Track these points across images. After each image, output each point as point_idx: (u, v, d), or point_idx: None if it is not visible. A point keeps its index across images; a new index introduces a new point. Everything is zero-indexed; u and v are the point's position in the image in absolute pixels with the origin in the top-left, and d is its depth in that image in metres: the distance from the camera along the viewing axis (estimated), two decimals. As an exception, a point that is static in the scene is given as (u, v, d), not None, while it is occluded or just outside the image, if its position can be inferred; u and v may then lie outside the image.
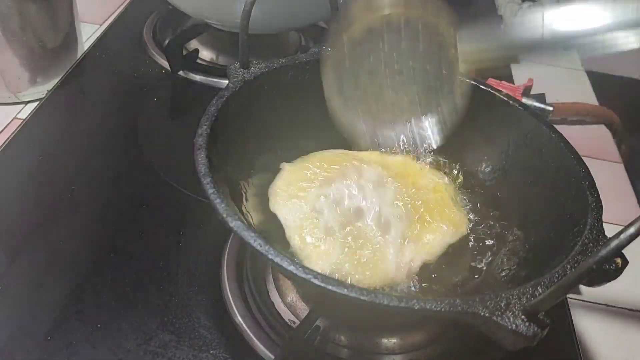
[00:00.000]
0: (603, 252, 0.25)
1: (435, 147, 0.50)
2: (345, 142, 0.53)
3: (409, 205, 0.45)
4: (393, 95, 0.49)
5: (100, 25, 0.87)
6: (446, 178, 0.49)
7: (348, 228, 0.42)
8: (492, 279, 0.43)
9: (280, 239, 0.45)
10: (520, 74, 0.89)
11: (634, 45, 0.37)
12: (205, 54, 0.79)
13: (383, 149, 0.50)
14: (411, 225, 0.44)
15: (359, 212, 0.43)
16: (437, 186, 0.48)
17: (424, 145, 0.50)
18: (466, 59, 0.44)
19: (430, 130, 0.50)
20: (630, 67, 1.13)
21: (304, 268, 0.31)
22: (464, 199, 0.49)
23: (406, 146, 0.50)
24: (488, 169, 0.50)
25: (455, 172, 0.51)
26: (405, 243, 0.43)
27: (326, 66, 0.47)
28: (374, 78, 0.48)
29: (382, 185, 0.45)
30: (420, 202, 0.45)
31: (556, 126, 0.46)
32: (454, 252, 0.44)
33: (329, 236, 0.42)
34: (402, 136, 0.50)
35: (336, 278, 0.31)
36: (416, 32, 0.46)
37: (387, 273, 0.41)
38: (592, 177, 0.41)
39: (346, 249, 0.41)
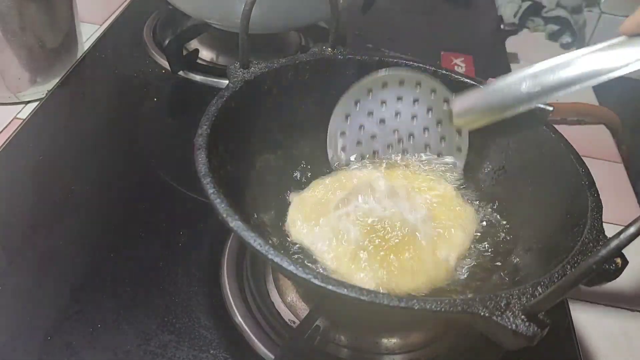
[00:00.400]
0: (603, 252, 0.25)
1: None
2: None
3: (427, 208, 0.46)
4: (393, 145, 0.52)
5: (100, 25, 0.87)
6: (442, 180, 0.50)
7: (377, 241, 0.42)
8: (492, 279, 0.43)
9: (280, 237, 0.45)
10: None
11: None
12: (205, 54, 0.79)
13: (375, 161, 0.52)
14: (435, 225, 0.45)
15: (384, 223, 0.43)
16: (444, 190, 0.49)
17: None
18: (459, 118, 0.46)
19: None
20: (630, 67, 1.12)
21: (304, 268, 0.31)
22: (465, 198, 0.49)
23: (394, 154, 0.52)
24: (488, 169, 0.50)
25: (455, 169, 0.51)
26: (436, 242, 0.43)
27: (336, 112, 0.50)
28: (378, 132, 0.52)
29: (395, 195, 0.46)
30: (434, 203, 0.47)
31: (556, 126, 0.46)
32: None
33: (362, 252, 0.42)
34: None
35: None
36: (415, 92, 0.50)
37: (428, 274, 0.41)
38: (592, 177, 0.41)
39: (382, 261, 0.41)
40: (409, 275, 0.41)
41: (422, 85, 0.49)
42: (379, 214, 0.44)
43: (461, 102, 0.46)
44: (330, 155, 0.51)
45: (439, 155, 0.51)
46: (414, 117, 0.51)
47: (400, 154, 0.52)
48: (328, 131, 0.51)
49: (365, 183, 0.47)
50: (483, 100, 0.44)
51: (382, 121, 0.51)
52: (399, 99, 0.50)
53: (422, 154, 0.52)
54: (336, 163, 0.51)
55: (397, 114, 0.51)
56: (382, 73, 0.50)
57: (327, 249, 0.43)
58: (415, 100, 0.50)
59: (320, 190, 0.48)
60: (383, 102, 0.51)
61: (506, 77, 0.42)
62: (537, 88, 0.40)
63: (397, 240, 0.43)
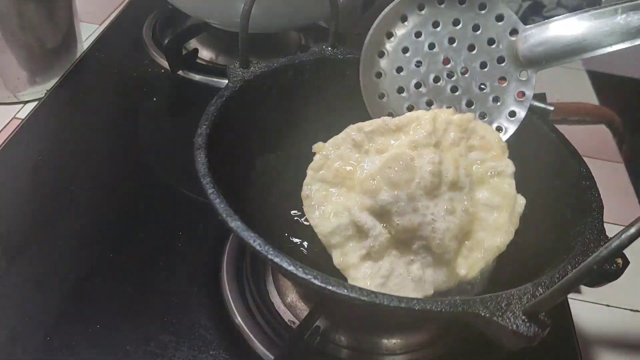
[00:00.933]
0: (604, 252, 0.25)
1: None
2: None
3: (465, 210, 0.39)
4: (444, 89, 0.44)
5: (100, 25, 0.87)
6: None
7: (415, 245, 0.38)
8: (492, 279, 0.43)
9: (280, 238, 0.45)
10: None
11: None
12: (205, 54, 0.79)
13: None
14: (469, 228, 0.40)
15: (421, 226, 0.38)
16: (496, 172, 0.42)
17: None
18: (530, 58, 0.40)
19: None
20: (630, 67, 1.13)
21: (304, 268, 0.31)
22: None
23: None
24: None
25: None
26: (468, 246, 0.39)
27: (367, 49, 0.43)
28: (424, 66, 0.43)
29: (436, 196, 0.38)
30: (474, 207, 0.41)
31: (556, 126, 0.46)
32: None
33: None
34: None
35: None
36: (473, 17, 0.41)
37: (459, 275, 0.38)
38: (593, 177, 0.41)
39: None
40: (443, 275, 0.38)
41: (488, 7, 0.40)
42: (416, 218, 0.37)
43: (533, 38, 0.39)
44: (362, 83, 0.44)
45: (495, 101, 0.43)
46: (471, 48, 0.42)
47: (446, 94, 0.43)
48: (363, 50, 0.43)
49: (407, 163, 0.39)
50: (563, 38, 0.38)
51: (432, 46, 0.43)
52: (456, 22, 0.42)
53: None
54: (369, 93, 0.44)
55: (451, 40, 0.42)
56: None
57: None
58: (476, 27, 0.41)
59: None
60: (436, 23, 0.42)
61: (595, 8, 0.35)
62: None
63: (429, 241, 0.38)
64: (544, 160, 0.45)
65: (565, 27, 0.38)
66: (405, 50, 0.44)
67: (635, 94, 1.11)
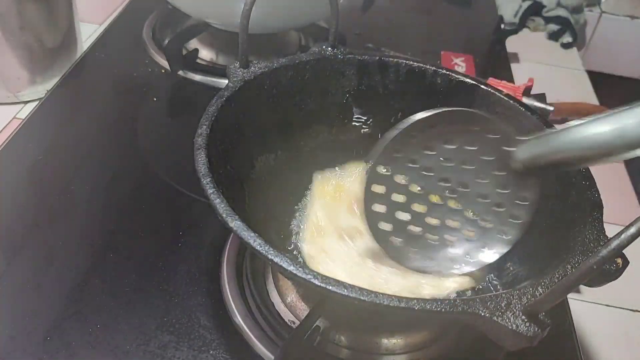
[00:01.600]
0: (604, 252, 0.25)
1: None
2: (345, 140, 0.53)
3: None
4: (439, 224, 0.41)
5: (100, 25, 0.87)
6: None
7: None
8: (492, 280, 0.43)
9: (280, 237, 0.45)
10: (521, 73, 0.89)
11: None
12: (205, 54, 0.79)
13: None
14: None
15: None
16: None
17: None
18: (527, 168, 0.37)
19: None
20: (630, 67, 1.13)
21: (304, 268, 0.31)
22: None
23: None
24: (488, 169, 0.50)
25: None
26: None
27: (368, 185, 0.39)
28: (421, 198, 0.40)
29: None
30: None
31: (556, 126, 0.46)
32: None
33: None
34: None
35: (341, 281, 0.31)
36: (468, 139, 0.38)
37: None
38: (593, 177, 0.41)
39: None
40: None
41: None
42: None
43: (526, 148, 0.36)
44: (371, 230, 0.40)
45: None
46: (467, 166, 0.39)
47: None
48: (364, 209, 0.39)
49: None
50: (553, 147, 0.35)
51: (428, 170, 0.40)
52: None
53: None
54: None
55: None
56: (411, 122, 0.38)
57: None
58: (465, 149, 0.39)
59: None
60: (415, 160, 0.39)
61: (584, 120, 0.33)
62: (620, 139, 0.31)
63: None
64: (544, 160, 0.45)
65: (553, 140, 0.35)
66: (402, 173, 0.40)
67: (635, 94, 1.11)
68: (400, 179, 0.39)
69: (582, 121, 0.34)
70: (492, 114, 0.48)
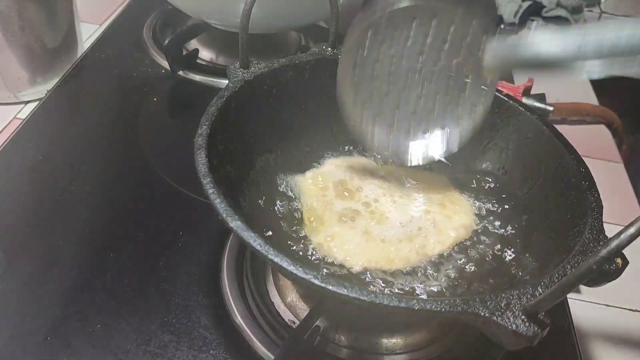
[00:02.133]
0: (603, 252, 0.25)
1: (437, 159, 0.48)
2: (345, 142, 0.53)
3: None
4: (410, 99, 0.46)
5: (100, 25, 0.87)
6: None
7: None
8: (493, 279, 0.43)
9: (280, 237, 0.45)
10: (521, 74, 0.89)
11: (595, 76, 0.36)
12: (205, 54, 0.79)
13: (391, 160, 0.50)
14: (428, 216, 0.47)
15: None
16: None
17: (430, 156, 0.47)
18: (491, 67, 0.42)
19: (441, 141, 0.47)
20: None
21: (304, 268, 0.31)
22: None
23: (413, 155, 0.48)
24: (488, 169, 0.50)
25: (455, 169, 0.51)
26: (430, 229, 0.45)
27: (343, 60, 0.44)
28: (393, 78, 0.45)
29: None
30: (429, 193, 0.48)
31: (556, 126, 0.46)
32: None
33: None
34: (411, 142, 0.47)
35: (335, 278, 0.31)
36: (444, 29, 0.42)
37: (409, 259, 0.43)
38: (592, 177, 0.41)
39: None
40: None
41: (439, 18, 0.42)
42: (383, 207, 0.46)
43: (494, 51, 0.41)
44: (348, 118, 0.46)
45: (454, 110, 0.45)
46: (435, 57, 0.43)
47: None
48: (337, 92, 0.45)
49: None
50: (518, 54, 0.39)
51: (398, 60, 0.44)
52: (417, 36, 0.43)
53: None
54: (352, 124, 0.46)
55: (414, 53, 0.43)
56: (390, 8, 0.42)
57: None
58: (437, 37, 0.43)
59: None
60: (393, 42, 0.43)
61: (550, 29, 0.38)
62: (585, 47, 0.35)
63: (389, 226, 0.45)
64: (544, 160, 0.45)
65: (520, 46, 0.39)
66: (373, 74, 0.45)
67: (635, 94, 1.11)
68: (375, 59, 0.44)
69: (542, 35, 0.38)
70: (492, 114, 0.49)
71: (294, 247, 0.43)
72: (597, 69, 0.36)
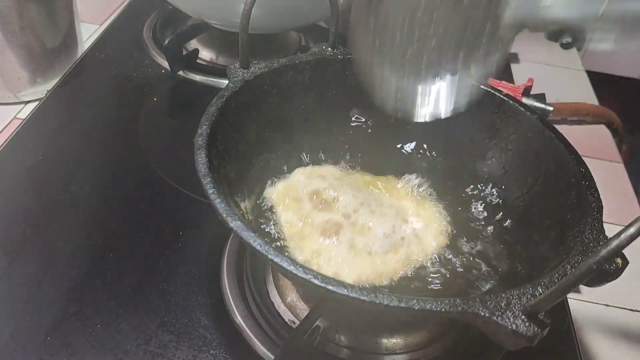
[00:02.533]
0: (603, 252, 0.25)
1: (443, 117, 0.46)
2: (344, 141, 0.53)
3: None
4: (424, 41, 0.43)
5: (100, 25, 0.87)
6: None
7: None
8: (493, 279, 0.43)
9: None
10: (521, 74, 0.89)
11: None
12: (205, 54, 0.79)
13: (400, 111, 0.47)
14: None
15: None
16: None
17: (437, 111, 0.45)
18: (510, 25, 0.41)
19: (450, 93, 0.45)
20: (630, 67, 1.13)
21: (304, 268, 0.31)
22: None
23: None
24: (488, 169, 0.50)
25: (455, 169, 0.51)
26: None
27: (358, 4, 0.44)
28: (409, 22, 0.43)
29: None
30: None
31: (556, 126, 0.46)
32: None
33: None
34: (420, 89, 0.45)
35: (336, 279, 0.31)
36: None
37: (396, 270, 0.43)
38: (592, 177, 0.41)
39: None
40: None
41: None
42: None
43: (515, 10, 0.40)
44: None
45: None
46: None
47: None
48: (349, 35, 0.44)
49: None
50: (539, 15, 0.39)
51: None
52: None
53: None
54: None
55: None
56: None
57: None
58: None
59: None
60: None
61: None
62: (606, 15, 0.34)
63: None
64: (544, 160, 0.45)
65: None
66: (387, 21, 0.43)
67: (635, 94, 1.11)
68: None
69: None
70: (492, 114, 0.49)
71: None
72: (613, 37, 0.35)
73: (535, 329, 0.29)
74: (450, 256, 0.44)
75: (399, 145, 0.54)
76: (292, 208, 0.46)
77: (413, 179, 0.50)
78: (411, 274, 0.43)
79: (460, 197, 0.50)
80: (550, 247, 0.40)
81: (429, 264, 0.44)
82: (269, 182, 0.48)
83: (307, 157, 0.51)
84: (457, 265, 0.44)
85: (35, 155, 0.61)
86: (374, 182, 0.50)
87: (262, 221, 0.45)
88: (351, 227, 0.45)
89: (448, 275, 0.43)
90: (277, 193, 0.47)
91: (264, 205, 0.46)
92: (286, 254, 0.42)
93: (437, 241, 0.45)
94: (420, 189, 0.50)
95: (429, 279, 0.43)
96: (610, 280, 0.35)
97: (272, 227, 0.45)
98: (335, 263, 0.42)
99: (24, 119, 0.65)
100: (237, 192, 0.43)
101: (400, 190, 0.50)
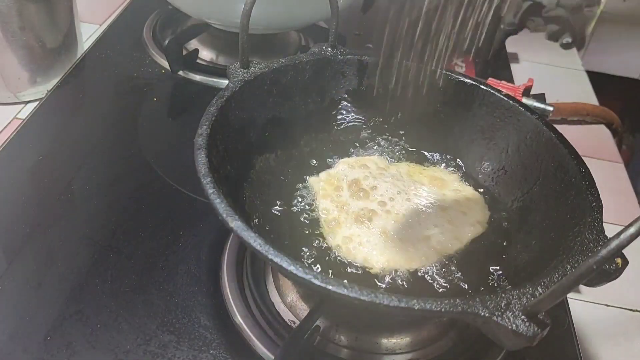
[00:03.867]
0: (603, 252, 0.25)
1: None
2: (345, 142, 0.53)
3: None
4: None
5: (100, 25, 0.87)
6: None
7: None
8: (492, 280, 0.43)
9: (280, 238, 0.45)
10: (521, 74, 0.89)
11: None
12: (205, 54, 0.79)
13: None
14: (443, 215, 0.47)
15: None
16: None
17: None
18: None
19: None
20: (630, 67, 1.13)
21: (304, 268, 0.31)
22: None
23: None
24: (488, 169, 0.50)
25: (455, 170, 0.51)
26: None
27: None
28: None
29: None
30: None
31: (556, 126, 0.46)
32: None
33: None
34: None
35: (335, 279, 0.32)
36: None
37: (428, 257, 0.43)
38: (592, 177, 0.41)
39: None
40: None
41: None
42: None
43: None
44: None
45: None
46: None
47: None
48: None
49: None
50: None
51: None
52: None
53: None
54: None
55: None
56: None
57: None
58: None
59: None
60: None
61: None
62: None
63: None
64: (544, 160, 0.45)
65: None
66: None
67: (635, 94, 1.11)
68: None
69: None
70: (492, 114, 0.49)
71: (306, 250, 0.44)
72: None
73: (535, 329, 0.29)
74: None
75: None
76: (331, 196, 0.47)
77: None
78: (441, 263, 0.43)
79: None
80: (551, 247, 0.40)
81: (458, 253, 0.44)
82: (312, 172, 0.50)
83: (307, 158, 0.51)
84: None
85: (35, 155, 0.61)
86: (418, 172, 0.51)
87: (299, 208, 0.46)
88: (386, 214, 0.46)
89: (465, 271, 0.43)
90: (319, 182, 0.49)
91: (306, 194, 0.48)
92: (320, 239, 0.44)
93: (473, 229, 0.46)
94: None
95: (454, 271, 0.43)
96: (610, 280, 0.35)
97: (309, 214, 0.46)
98: (366, 248, 0.43)
99: (24, 119, 0.65)
100: (237, 192, 0.43)
101: (441, 180, 0.50)
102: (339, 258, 0.43)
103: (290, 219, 0.46)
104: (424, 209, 0.47)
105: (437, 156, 0.53)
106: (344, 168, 0.50)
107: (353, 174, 0.49)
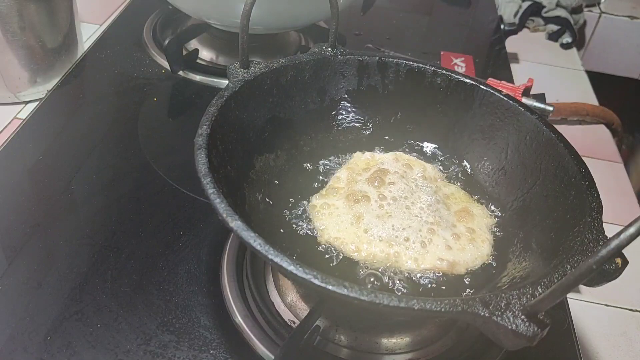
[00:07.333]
0: (603, 252, 0.25)
1: None
2: (345, 141, 0.53)
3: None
4: None
5: (100, 25, 0.87)
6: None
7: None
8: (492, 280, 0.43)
9: (281, 238, 0.45)
10: (520, 74, 0.89)
11: None
12: (205, 54, 0.79)
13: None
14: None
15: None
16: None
17: None
18: None
19: None
20: (630, 67, 1.13)
21: (304, 268, 0.31)
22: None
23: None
24: (488, 169, 0.50)
25: (455, 169, 0.51)
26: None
27: None
28: None
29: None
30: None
31: (556, 126, 0.46)
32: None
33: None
34: None
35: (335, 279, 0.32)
36: None
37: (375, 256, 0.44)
38: (592, 177, 0.41)
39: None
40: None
41: None
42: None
43: None
44: None
45: None
46: None
47: None
48: None
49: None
50: None
51: None
52: None
53: None
54: None
55: None
56: None
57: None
58: None
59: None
60: None
61: None
62: None
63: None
64: (544, 160, 0.45)
65: None
66: None
67: (635, 94, 1.11)
68: None
69: None
70: (492, 114, 0.49)
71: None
72: None
73: (535, 329, 0.29)
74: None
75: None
76: (355, 171, 0.49)
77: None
78: (393, 271, 0.43)
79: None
80: (550, 247, 0.40)
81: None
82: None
83: (306, 158, 0.51)
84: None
85: (36, 155, 0.61)
86: (459, 199, 0.49)
87: (299, 208, 0.48)
88: (376, 207, 0.46)
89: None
90: (360, 156, 0.52)
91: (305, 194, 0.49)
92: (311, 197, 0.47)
93: (433, 267, 0.43)
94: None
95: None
96: (610, 280, 0.35)
97: (309, 214, 0.47)
98: (329, 220, 0.45)
99: (24, 119, 0.65)
100: (237, 192, 0.43)
101: (470, 215, 0.48)
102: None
103: (291, 218, 0.46)
104: (412, 219, 0.45)
105: (438, 156, 0.53)
106: (388, 157, 0.51)
107: (390, 165, 0.50)
